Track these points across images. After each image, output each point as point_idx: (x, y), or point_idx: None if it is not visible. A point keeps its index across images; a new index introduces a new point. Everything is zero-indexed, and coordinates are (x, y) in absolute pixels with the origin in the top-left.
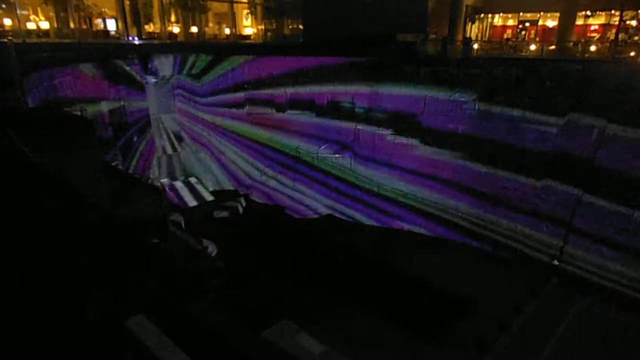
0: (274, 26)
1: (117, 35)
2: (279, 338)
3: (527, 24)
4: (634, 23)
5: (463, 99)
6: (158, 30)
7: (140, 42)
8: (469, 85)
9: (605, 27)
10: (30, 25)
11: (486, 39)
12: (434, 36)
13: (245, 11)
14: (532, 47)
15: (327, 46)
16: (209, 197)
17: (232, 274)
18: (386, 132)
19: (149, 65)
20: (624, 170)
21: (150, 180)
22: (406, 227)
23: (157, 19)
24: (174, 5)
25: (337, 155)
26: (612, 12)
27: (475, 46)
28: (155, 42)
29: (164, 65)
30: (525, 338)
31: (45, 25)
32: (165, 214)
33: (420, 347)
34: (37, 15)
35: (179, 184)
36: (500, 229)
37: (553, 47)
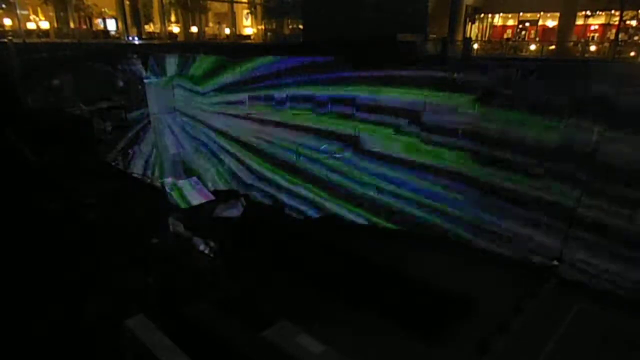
0: (274, 26)
1: (117, 35)
2: (279, 338)
3: (527, 24)
4: (634, 23)
5: (464, 98)
6: (158, 30)
7: (140, 42)
8: (469, 85)
9: (605, 27)
10: (30, 25)
11: (486, 38)
12: (434, 36)
13: (245, 11)
14: (532, 47)
15: (327, 46)
16: (209, 197)
17: (232, 274)
18: (387, 132)
19: (149, 65)
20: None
21: (150, 180)
22: (405, 227)
23: (157, 19)
24: (174, 5)
25: (337, 155)
26: (612, 12)
27: (476, 46)
28: (155, 42)
29: (164, 65)
30: (525, 338)
31: (45, 25)
32: (165, 214)
33: (420, 348)
34: (37, 15)
35: (178, 184)
36: (500, 230)
37: (553, 47)
